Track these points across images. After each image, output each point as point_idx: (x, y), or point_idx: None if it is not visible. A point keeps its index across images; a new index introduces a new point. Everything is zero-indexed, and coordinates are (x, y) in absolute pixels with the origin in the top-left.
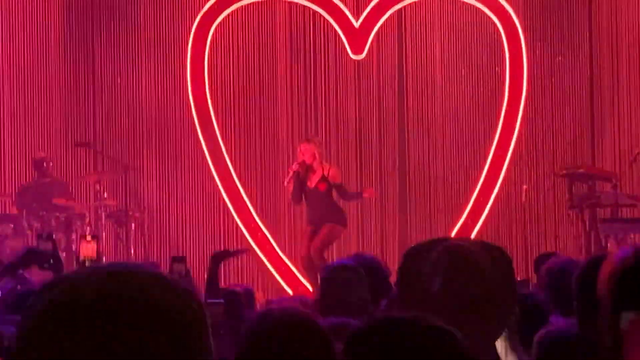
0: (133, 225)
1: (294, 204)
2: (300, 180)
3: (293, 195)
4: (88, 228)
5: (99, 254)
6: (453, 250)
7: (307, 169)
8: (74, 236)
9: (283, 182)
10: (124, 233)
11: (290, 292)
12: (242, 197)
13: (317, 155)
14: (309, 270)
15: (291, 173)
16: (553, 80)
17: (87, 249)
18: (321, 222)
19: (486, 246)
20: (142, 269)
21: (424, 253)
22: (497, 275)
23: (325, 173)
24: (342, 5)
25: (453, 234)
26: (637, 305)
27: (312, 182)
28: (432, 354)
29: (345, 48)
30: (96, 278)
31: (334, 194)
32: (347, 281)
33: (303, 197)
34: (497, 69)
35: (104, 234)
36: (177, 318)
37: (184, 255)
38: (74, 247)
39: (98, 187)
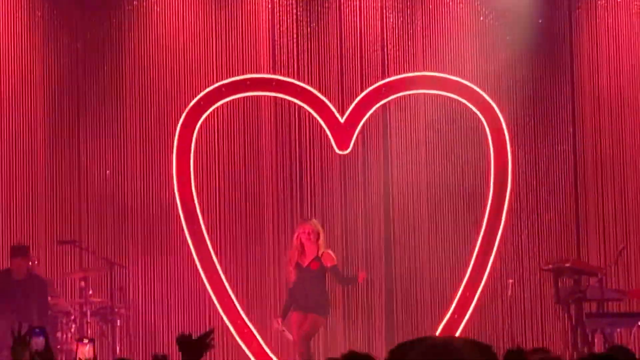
0: (119, 322)
1: (288, 282)
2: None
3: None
4: (73, 325)
5: (95, 356)
6: (438, 347)
7: (302, 248)
8: (59, 334)
9: (270, 280)
10: (109, 330)
11: None
12: (229, 294)
13: (312, 236)
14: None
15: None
16: (538, 174)
17: (84, 353)
18: (307, 309)
19: (474, 344)
20: None
21: (409, 350)
22: None
23: (319, 254)
24: (327, 101)
25: (439, 328)
26: None
27: (305, 261)
28: None
29: (330, 143)
30: None
31: (328, 278)
32: None
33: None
34: (481, 163)
35: (89, 331)
36: None
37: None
38: (59, 345)
39: (83, 284)
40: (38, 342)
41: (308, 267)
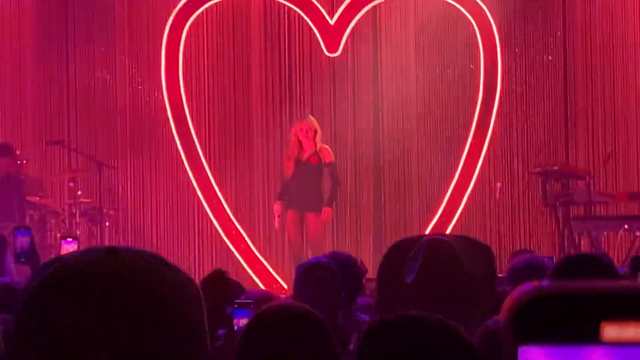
0: (107, 223)
1: (284, 177)
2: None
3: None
4: (62, 225)
5: None
6: (431, 244)
7: (299, 144)
8: (47, 234)
9: (259, 181)
10: (98, 231)
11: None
12: (217, 196)
13: (310, 133)
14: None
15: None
16: (527, 77)
17: (69, 250)
18: (305, 208)
19: (470, 242)
20: (139, 250)
21: (405, 248)
22: (477, 270)
23: (317, 150)
24: (316, 3)
25: (428, 230)
26: (534, 340)
27: (304, 156)
28: (441, 352)
29: (320, 46)
30: (93, 256)
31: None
32: (322, 279)
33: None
34: (471, 66)
35: (78, 232)
36: (174, 295)
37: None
38: (49, 244)
39: (72, 185)
40: (23, 241)
41: (307, 161)
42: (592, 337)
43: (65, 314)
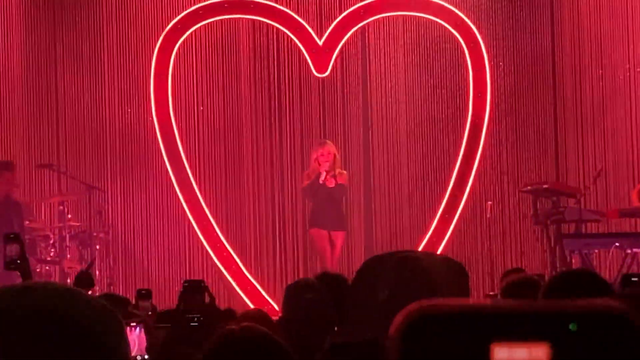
0: (98, 246)
1: (307, 198)
2: (313, 180)
3: (307, 190)
4: (52, 250)
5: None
6: (403, 260)
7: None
8: (38, 258)
9: (249, 203)
10: (89, 254)
11: None
12: (207, 217)
13: (330, 157)
14: None
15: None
16: (517, 96)
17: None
18: (328, 226)
19: (442, 259)
20: (58, 285)
21: (379, 264)
22: (449, 288)
23: (336, 173)
24: (305, 24)
25: (419, 250)
26: None
27: (327, 180)
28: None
29: (309, 66)
30: (12, 291)
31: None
32: (310, 301)
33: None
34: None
35: (68, 255)
36: (89, 326)
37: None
38: (37, 269)
39: (62, 209)
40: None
41: (327, 186)
42: (482, 359)
43: None
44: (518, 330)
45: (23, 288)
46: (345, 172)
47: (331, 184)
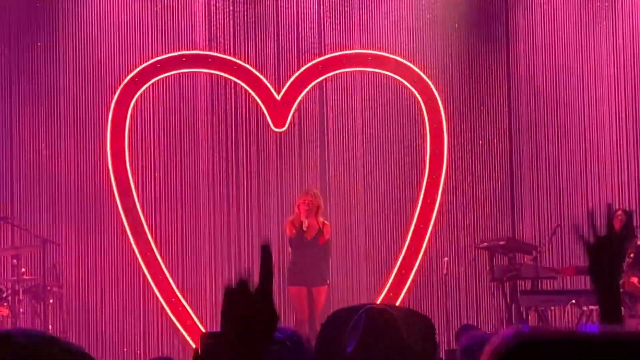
0: (51, 300)
1: (293, 251)
2: (298, 232)
3: (292, 241)
4: (5, 304)
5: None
6: (371, 313)
7: (301, 218)
8: None
9: (205, 257)
10: (42, 308)
11: None
12: (163, 271)
13: (313, 208)
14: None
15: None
16: (473, 152)
17: None
18: (315, 282)
19: (408, 312)
20: (37, 332)
21: (345, 317)
22: (416, 341)
23: (321, 226)
24: (263, 78)
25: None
26: None
27: (310, 234)
28: None
29: (267, 121)
30: None
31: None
32: (275, 352)
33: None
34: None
35: (21, 309)
36: None
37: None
38: None
39: (15, 262)
40: None
41: (314, 240)
42: None
43: None
44: (607, 357)
45: (2, 336)
46: (327, 222)
47: (321, 242)
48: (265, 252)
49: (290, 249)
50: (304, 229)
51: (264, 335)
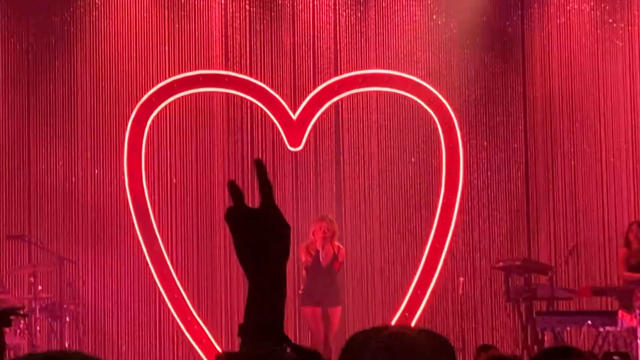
0: (67, 318)
1: (308, 275)
2: (314, 259)
3: (307, 267)
4: (22, 321)
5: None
6: (393, 336)
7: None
8: (7, 330)
9: (221, 276)
10: (58, 327)
11: None
12: (179, 290)
13: (329, 234)
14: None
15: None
16: (489, 172)
17: None
18: (330, 303)
19: (429, 334)
20: (86, 355)
21: (364, 341)
22: None
23: (336, 251)
24: (279, 98)
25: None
26: None
27: (325, 260)
28: None
29: (282, 140)
30: None
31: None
32: None
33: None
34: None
35: (37, 327)
36: None
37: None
38: (7, 341)
39: (32, 280)
40: None
41: (329, 265)
42: None
43: None
44: None
45: (44, 358)
46: (342, 246)
47: (336, 267)
48: (260, 166)
49: (304, 272)
50: (321, 259)
51: (280, 244)
